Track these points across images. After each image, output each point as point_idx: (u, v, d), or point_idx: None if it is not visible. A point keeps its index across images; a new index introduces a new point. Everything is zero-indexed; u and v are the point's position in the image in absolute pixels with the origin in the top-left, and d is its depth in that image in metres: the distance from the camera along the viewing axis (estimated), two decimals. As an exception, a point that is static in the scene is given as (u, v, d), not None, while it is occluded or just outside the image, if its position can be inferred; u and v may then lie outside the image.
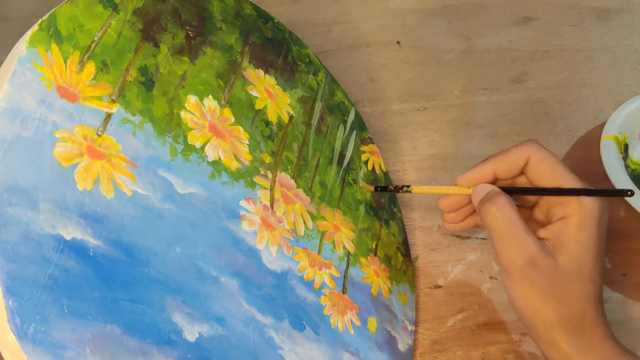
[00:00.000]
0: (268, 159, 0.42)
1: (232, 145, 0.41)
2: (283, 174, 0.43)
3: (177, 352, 0.33)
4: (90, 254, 0.32)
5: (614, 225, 0.49)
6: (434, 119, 0.54)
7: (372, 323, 0.43)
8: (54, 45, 0.34)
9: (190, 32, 0.41)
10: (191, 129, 0.39)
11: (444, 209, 0.44)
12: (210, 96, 0.41)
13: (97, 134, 0.34)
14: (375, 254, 0.46)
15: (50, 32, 0.34)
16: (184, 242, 0.36)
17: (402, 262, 0.47)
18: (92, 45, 0.36)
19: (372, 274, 0.45)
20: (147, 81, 0.38)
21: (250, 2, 0.47)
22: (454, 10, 0.61)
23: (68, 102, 0.33)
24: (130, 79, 0.37)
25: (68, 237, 0.31)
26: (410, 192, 0.44)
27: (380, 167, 0.50)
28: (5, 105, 0.31)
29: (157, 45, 0.39)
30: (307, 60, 0.49)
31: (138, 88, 0.37)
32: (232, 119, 0.41)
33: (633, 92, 0.55)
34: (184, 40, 0.41)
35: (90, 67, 0.35)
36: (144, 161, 0.35)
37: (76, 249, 0.31)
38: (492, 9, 0.62)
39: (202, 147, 0.39)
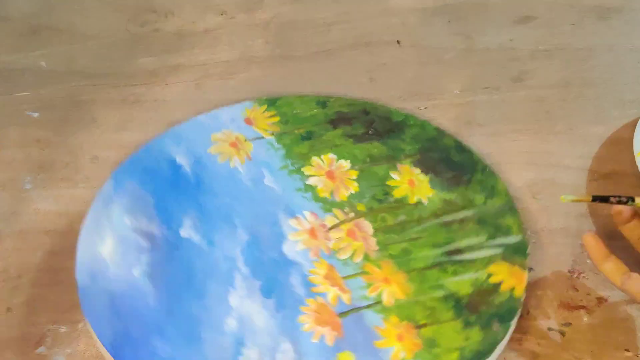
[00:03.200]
0: (361, 207, 0.46)
1: (335, 186, 0.47)
2: (367, 222, 0.45)
3: (167, 231, 0.45)
4: (181, 170, 0.49)
5: (614, 224, 0.48)
6: (434, 118, 0.54)
7: (345, 356, 0.39)
8: (264, 105, 0.52)
9: (371, 132, 0.50)
10: (311, 166, 0.48)
11: None
12: (348, 160, 0.49)
13: (245, 139, 0.50)
14: (417, 328, 0.41)
15: (269, 101, 0.52)
16: (236, 200, 0.47)
17: None
18: (288, 114, 0.52)
19: (392, 332, 0.40)
20: (306, 136, 0.50)
21: (455, 139, 0.50)
22: (454, 9, 0.61)
23: (245, 124, 0.51)
24: (296, 132, 0.50)
25: (177, 161, 0.49)
26: (634, 204, 0.40)
27: (512, 290, 0.42)
28: (215, 112, 0.52)
29: (334, 128, 0.51)
30: (490, 187, 0.47)
31: (296, 137, 0.50)
32: (354, 177, 0.48)
33: (634, 91, 0.55)
34: (359, 133, 0.50)
35: (275, 118, 0.51)
36: (259, 160, 0.49)
37: (176, 167, 0.49)
38: (493, 7, 0.62)
39: (309, 176, 0.48)
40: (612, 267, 0.40)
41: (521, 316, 0.45)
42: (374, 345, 0.40)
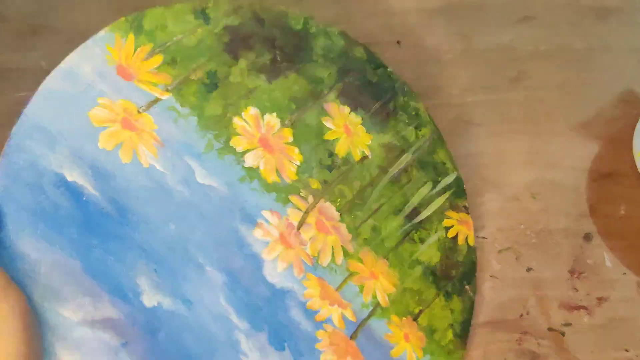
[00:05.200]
0: (315, 185, 0.40)
1: (277, 161, 0.39)
2: (328, 203, 0.40)
3: (127, 308, 0.33)
4: (84, 199, 0.34)
5: (614, 224, 0.49)
6: (433, 117, 0.54)
7: None
8: (131, 35, 0.37)
9: (278, 57, 0.40)
10: (238, 134, 0.37)
11: None
12: (274, 113, 0.39)
13: (138, 111, 0.36)
14: (415, 320, 0.42)
15: (133, 24, 0.37)
16: (183, 223, 0.36)
17: (450, 341, 0.42)
18: (168, 44, 0.37)
19: (400, 335, 0.41)
20: (211, 84, 0.37)
21: (365, 47, 0.43)
22: (454, 9, 0.61)
23: (122, 79, 0.36)
24: (194, 77, 0.37)
25: (69, 179, 0.34)
26: None
27: (466, 239, 0.45)
28: (64, 66, 0.35)
29: (236, 58, 0.38)
30: (414, 113, 0.46)
31: (198, 87, 0.37)
32: (290, 139, 0.39)
33: (633, 92, 0.55)
34: (268, 62, 0.39)
35: (157, 59, 0.37)
36: (174, 144, 0.36)
37: (72, 190, 0.34)
38: (492, 8, 0.62)
39: (243, 153, 0.37)
40: None
41: (521, 316, 0.45)
42: (391, 356, 0.40)
